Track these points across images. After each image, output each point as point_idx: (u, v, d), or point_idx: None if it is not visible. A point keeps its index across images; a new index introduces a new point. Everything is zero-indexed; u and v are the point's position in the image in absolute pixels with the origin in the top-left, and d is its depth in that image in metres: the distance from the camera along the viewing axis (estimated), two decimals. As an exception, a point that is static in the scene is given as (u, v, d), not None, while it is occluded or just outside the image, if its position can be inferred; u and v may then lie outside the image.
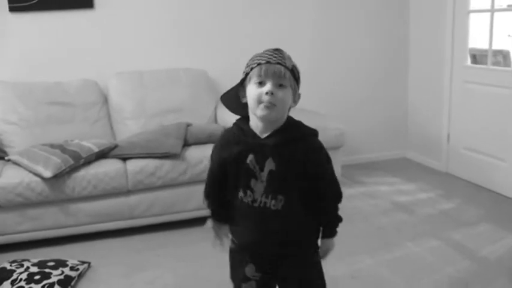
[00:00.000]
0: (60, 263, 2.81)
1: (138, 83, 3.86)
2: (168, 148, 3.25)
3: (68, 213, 3.15)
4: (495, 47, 3.97)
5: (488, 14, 3.89)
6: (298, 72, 1.62)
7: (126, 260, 3.01)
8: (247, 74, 1.61)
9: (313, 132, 1.68)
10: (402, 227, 3.40)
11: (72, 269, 2.78)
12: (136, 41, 4.05)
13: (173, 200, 3.33)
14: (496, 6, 3.88)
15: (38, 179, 3.03)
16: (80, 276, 2.80)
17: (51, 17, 3.84)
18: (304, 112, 2.87)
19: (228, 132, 1.74)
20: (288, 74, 1.56)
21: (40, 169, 3.01)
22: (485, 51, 4.00)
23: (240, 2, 4.25)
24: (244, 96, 1.63)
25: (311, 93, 4.31)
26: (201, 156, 3.32)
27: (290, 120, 1.65)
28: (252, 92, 1.57)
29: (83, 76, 3.85)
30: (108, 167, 3.17)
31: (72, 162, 3.07)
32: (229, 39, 4.26)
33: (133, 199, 3.25)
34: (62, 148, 3.16)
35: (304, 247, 1.74)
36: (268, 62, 1.56)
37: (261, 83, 1.56)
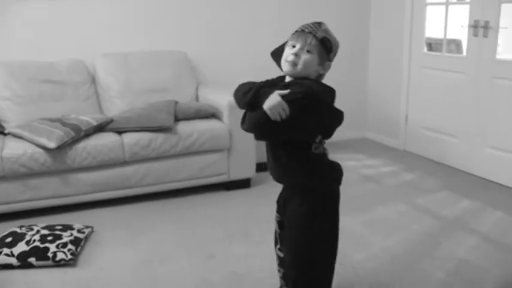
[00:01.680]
0: (67, 227, 3.03)
1: (124, 64, 4.08)
2: (162, 122, 3.51)
3: (68, 183, 3.36)
4: (449, 36, 4.43)
5: (444, 6, 4.34)
6: (331, 44, 1.90)
7: (125, 225, 3.26)
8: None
9: (312, 82, 1.88)
10: (372, 194, 3.81)
11: (79, 231, 3.01)
12: (120, 24, 4.26)
13: (165, 170, 3.59)
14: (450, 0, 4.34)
15: (40, 150, 3.23)
16: (86, 238, 3.03)
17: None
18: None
19: (273, 78, 2.04)
20: (314, 41, 1.86)
21: (44, 141, 3.21)
22: (440, 40, 4.46)
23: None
24: None
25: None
26: (191, 129, 3.62)
27: (310, 78, 1.90)
28: (285, 51, 1.90)
29: (70, 57, 4.04)
30: (106, 139, 3.41)
31: (73, 134, 3.28)
32: (206, 23, 4.53)
33: (128, 170, 3.50)
34: (62, 122, 3.37)
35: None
36: (302, 31, 1.89)
37: (294, 46, 1.87)
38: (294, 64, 1.86)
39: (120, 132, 3.51)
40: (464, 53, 4.25)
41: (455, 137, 4.32)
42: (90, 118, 3.48)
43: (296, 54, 1.85)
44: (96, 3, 4.16)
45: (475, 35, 3.98)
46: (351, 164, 4.47)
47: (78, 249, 2.86)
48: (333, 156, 2.01)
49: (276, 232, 2.19)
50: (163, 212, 3.47)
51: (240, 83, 1.95)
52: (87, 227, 3.12)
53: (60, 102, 3.81)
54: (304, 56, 1.86)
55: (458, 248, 2.92)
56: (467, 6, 4.09)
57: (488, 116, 3.99)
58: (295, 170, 1.95)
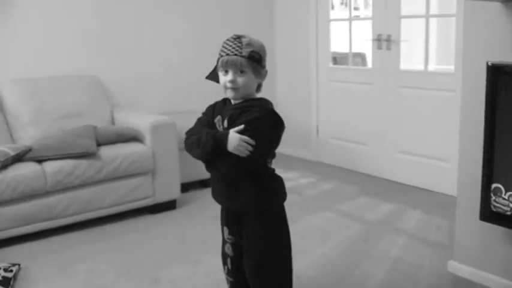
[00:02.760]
0: (-9, 266, 2.82)
1: (34, 90, 3.87)
2: (85, 148, 3.38)
3: (-14, 218, 3.13)
4: (354, 50, 4.69)
5: (347, 22, 4.60)
6: (259, 54, 1.94)
7: (55, 258, 3.08)
8: (217, 60, 1.96)
9: (263, 106, 1.96)
10: (296, 205, 3.90)
11: (5, 270, 2.80)
12: (28, 48, 4.05)
13: (90, 197, 3.45)
14: (353, 16, 4.61)
15: (-46, 185, 2.99)
16: (15, 277, 2.83)
17: None
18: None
19: (219, 102, 2.07)
20: (244, 62, 1.91)
21: (-43, 175, 2.97)
22: (345, 54, 4.72)
23: (124, 11, 4.46)
24: None
25: (190, 95, 4.71)
26: (115, 154, 3.51)
27: (254, 97, 2.00)
28: (221, 79, 1.97)
29: (-28, 85, 3.78)
30: (26, 170, 3.21)
31: (-10, 166, 3.07)
32: (117, 45, 4.44)
33: (51, 200, 3.31)
34: (-25, 154, 3.14)
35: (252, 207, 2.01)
36: (227, 55, 1.91)
37: (226, 71, 1.93)
38: (234, 89, 1.93)
39: (40, 161, 3.33)
40: (370, 65, 4.53)
41: (366, 145, 4.56)
42: (6, 148, 3.26)
43: (233, 81, 1.91)
44: (1, 26, 3.94)
45: (379, 47, 4.25)
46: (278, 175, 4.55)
47: (10, 288, 2.67)
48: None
49: (226, 255, 2.17)
50: (92, 241, 3.32)
51: (185, 132, 2.02)
52: (13, 264, 2.90)
53: (-34, 133, 3.55)
54: (240, 79, 1.91)
55: (390, 248, 3.08)
56: (370, 21, 4.36)
57: (395, 123, 4.26)
58: (255, 198, 1.96)
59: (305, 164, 5.05)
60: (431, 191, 4.05)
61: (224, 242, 2.16)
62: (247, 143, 1.81)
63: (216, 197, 2.06)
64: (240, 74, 1.91)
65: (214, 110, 2.04)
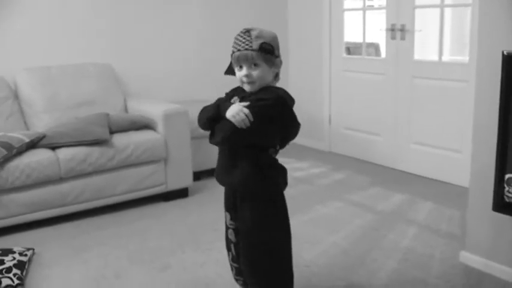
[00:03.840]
0: (7, 251, 2.84)
1: (47, 78, 3.90)
2: (98, 135, 3.40)
3: (1, 204, 3.15)
4: (367, 40, 4.66)
5: (361, 12, 4.57)
6: (270, 45, 1.95)
7: (68, 243, 3.11)
8: (231, 55, 2.00)
9: (274, 91, 1.99)
10: (308, 195, 3.90)
11: (21, 254, 2.84)
12: (41, 36, 4.08)
13: (103, 185, 3.48)
14: (367, 6, 4.58)
15: (-31, 171, 3.03)
16: (29, 261, 2.86)
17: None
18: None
19: (240, 87, 2.07)
20: (256, 55, 1.93)
21: (-27, 161, 3.01)
22: (359, 44, 4.69)
23: (136, 0, 4.47)
24: None
25: (202, 84, 4.71)
26: (127, 142, 3.54)
27: (269, 85, 2.00)
28: (237, 74, 2.00)
29: (-13, 72, 3.82)
30: (40, 156, 3.24)
31: (5, 152, 3.09)
32: (131, 34, 4.45)
33: (65, 186, 3.34)
34: (-10, 140, 3.17)
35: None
36: (239, 50, 1.94)
37: (240, 66, 1.96)
38: (250, 83, 1.96)
39: (53, 148, 3.35)
40: (383, 55, 4.50)
41: (379, 135, 4.55)
42: (20, 135, 3.29)
43: (247, 75, 1.94)
44: (13, 16, 3.96)
45: (393, 38, 4.23)
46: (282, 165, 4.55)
47: (24, 273, 2.70)
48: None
49: (229, 241, 2.19)
50: (105, 227, 3.35)
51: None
52: (28, 249, 2.94)
53: (-19, 120, 3.58)
54: (255, 72, 1.94)
55: (402, 238, 3.08)
56: (384, 11, 4.33)
57: (409, 113, 4.23)
58: (252, 175, 1.97)
59: (317, 154, 5.04)
60: (444, 182, 4.02)
61: (227, 228, 2.18)
62: (247, 117, 1.85)
63: (217, 173, 2.09)
64: (253, 68, 1.94)
65: (234, 92, 2.08)
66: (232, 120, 1.85)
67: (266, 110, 1.89)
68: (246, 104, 1.89)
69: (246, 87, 1.98)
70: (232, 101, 2.01)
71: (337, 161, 4.78)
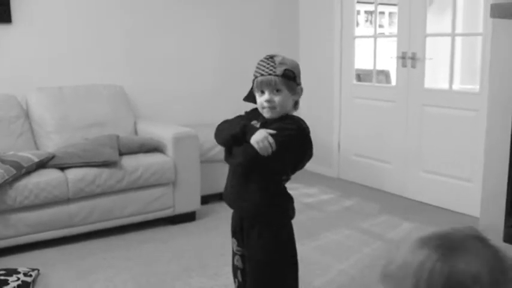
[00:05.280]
0: (11, 271, 2.83)
1: (59, 98, 3.93)
2: (107, 156, 3.41)
3: (9, 224, 3.15)
4: (378, 67, 4.67)
5: (372, 39, 4.59)
6: (292, 72, 1.96)
7: (74, 265, 3.10)
8: (253, 81, 1.98)
9: (296, 121, 2.00)
10: (317, 221, 3.87)
11: (25, 275, 2.82)
12: (53, 57, 4.12)
13: (111, 206, 3.47)
14: (378, 33, 4.60)
15: (-22, 190, 3.03)
16: (34, 282, 2.84)
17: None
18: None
19: (252, 110, 2.07)
20: (279, 80, 1.92)
21: (-18, 179, 3.01)
22: (369, 71, 4.70)
23: (148, 23, 4.51)
24: None
25: (216, 107, 4.72)
26: (136, 164, 3.54)
27: (288, 114, 2.00)
28: (257, 99, 1.98)
29: (0, 91, 3.85)
30: (49, 176, 3.25)
31: (14, 171, 3.10)
32: (143, 58, 4.49)
33: (73, 207, 3.34)
34: (0, 159, 3.18)
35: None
36: (262, 75, 1.93)
37: (262, 92, 1.94)
38: (272, 108, 1.93)
39: (62, 168, 3.36)
40: (394, 83, 4.50)
41: (388, 163, 4.52)
42: (30, 154, 3.30)
43: (269, 101, 1.92)
44: (26, 35, 4.01)
45: (404, 65, 4.23)
46: (290, 193, 4.53)
47: (29, 294, 2.69)
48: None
49: (236, 268, 2.15)
50: (112, 250, 3.33)
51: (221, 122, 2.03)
52: (33, 269, 2.93)
53: (-8, 139, 3.60)
54: (277, 98, 1.92)
55: (411, 268, 3.03)
56: (395, 39, 4.34)
57: (419, 141, 4.22)
58: (263, 202, 1.96)
59: (326, 180, 5.02)
60: (454, 211, 3.98)
61: (234, 254, 2.15)
62: (270, 146, 1.83)
63: (226, 195, 2.07)
64: (275, 93, 1.93)
65: (254, 115, 2.05)
66: (256, 146, 1.83)
67: (290, 140, 1.89)
68: (272, 132, 1.86)
69: (266, 113, 1.95)
70: (252, 123, 1.99)
71: (346, 187, 4.75)
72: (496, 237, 2.48)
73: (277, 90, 1.92)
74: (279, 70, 1.92)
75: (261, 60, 1.96)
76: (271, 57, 1.96)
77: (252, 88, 2.01)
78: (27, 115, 3.86)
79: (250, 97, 2.05)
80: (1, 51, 3.94)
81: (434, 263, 0.80)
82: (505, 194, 2.36)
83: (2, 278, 2.72)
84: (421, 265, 0.81)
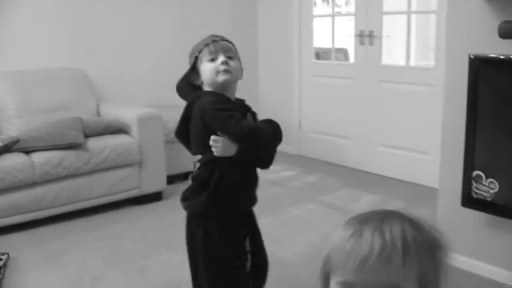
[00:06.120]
0: (-19, 255, 2.83)
1: (20, 82, 3.87)
2: (73, 138, 3.41)
3: (-26, 209, 3.13)
4: (336, 46, 4.78)
5: (330, 18, 4.69)
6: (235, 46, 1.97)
7: (44, 248, 3.10)
8: (196, 58, 1.91)
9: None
10: (280, 196, 3.98)
11: (-5, 259, 2.83)
12: (13, 41, 4.05)
13: (78, 188, 3.48)
14: (335, 12, 4.70)
15: None
16: (5, 266, 2.84)
17: None
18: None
19: (218, 93, 1.90)
20: (233, 47, 1.93)
21: None
22: (328, 49, 4.80)
23: (108, 5, 4.47)
24: (197, 78, 1.93)
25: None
26: (102, 145, 3.55)
27: (241, 99, 1.99)
28: (208, 67, 1.86)
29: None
30: (14, 160, 3.23)
31: (-21, 156, 3.08)
32: (104, 41, 4.45)
33: (39, 190, 3.33)
34: (-37, 144, 3.14)
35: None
36: (214, 41, 1.89)
37: (213, 59, 1.86)
38: (227, 72, 1.86)
39: (27, 152, 3.34)
40: (352, 60, 4.61)
41: (348, 138, 4.66)
42: (-7, 139, 3.27)
43: (226, 62, 1.85)
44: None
45: (362, 43, 4.35)
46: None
47: (0, 277, 2.69)
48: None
49: (245, 267, 2.02)
50: (80, 231, 3.35)
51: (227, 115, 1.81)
52: (2, 253, 2.92)
53: (-49, 124, 3.54)
54: (232, 62, 1.88)
55: (374, 237, 3.17)
56: (352, 17, 4.45)
57: (377, 116, 4.35)
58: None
59: (287, 157, 5.11)
60: (413, 183, 4.14)
61: (246, 255, 2.00)
62: None
63: (240, 204, 1.97)
64: (230, 59, 1.88)
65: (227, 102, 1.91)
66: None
67: None
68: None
69: (221, 77, 1.85)
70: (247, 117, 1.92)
71: (307, 164, 4.87)
72: (454, 203, 2.62)
73: (230, 58, 1.87)
74: (227, 39, 1.94)
75: (203, 39, 1.93)
76: (213, 34, 1.94)
77: (187, 72, 1.95)
78: (-14, 100, 3.81)
79: (182, 87, 1.98)
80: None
81: (348, 238, 0.87)
82: (462, 163, 2.49)
83: (-27, 262, 2.72)
84: (344, 240, 0.88)
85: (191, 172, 1.95)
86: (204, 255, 1.94)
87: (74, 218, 3.54)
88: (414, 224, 0.88)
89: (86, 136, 3.60)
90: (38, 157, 3.31)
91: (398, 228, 0.86)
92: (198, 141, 1.88)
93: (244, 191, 1.96)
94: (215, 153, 1.80)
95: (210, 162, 1.84)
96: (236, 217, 1.95)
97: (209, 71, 1.87)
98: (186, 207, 1.97)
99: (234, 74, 1.88)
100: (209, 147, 1.80)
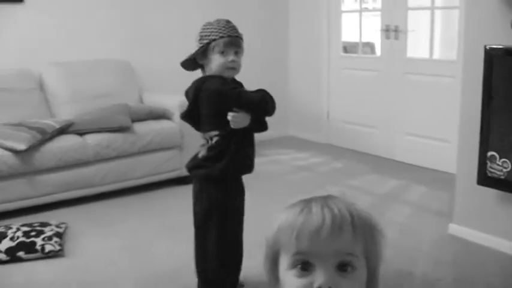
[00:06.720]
0: (44, 224, 3.17)
1: (70, 72, 4.23)
2: (121, 122, 3.75)
3: (35, 184, 3.48)
4: (364, 40, 5.04)
5: (358, 13, 4.95)
6: None
7: (97, 220, 3.44)
8: (208, 44, 2.14)
9: None
10: (308, 180, 4.27)
11: (57, 226, 3.17)
12: (63, 34, 4.41)
13: (125, 169, 3.82)
14: (363, 8, 4.96)
15: (9, 153, 3.35)
16: (64, 233, 3.18)
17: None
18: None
19: (221, 77, 2.20)
20: (242, 43, 2.20)
21: (12, 144, 3.33)
22: (355, 43, 5.07)
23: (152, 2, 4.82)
24: (203, 59, 2.21)
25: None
26: (147, 129, 3.90)
27: None
28: (218, 60, 2.14)
29: (15, 66, 4.13)
30: (70, 141, 3.59)
31: (40, 136, 3.43)
32: (147, 33, 4.80)
33: (91, 169, 3.68)
34: (26, 126, 3.50)
35: None
36: (229, 36, 2.14)
37: (223, 52, 2.13)
38: (234, 69, 2.18)
39: (81, 134, 3.69)
40: (378, 54, 4.87)
41: (374, 127, 4.92)
42: (52, 121, 3.63)
43: (234, 61, 2.15)
44: (36, 14, 4.28)
45: (387, 37, 4.60)
46: (282, 157, 4.93)
47: (62, 242, 3.03)
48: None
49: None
50: (128, 206, 3.69)
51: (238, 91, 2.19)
52: (61, 223, 3.27)
53: (13, 109, 3.86)
54: (238, 59, 2.17)
55: (397, 216, 3.46)
56: (379, 13, 4.71)
57: (402, 107, 4.61)
58: None
59: (316, 146, 5.39)
60: (435, 170, 4.38)
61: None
62: None
63: (250, 164, 2.32)
64: (236, 55, 2.16)
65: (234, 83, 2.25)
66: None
67: None
68: None
69: (228, 73, 2.15)
70: None
71: (335, 152, 5.14)
72: (470, 182, 2.87)
73: (236, 53, 2.15)
74: (239, 33, 2.19)
75: (219, 23, 2.16)
76: (228, 21, 2.18)
77: (195, 52, 2.18)
78: (41, 88, 4.17)
79: (187, 63, 2.26)
80: (14, 30, 4.21)
81: (299, 213, 0.92)
82: (477, 147, 2.75)
83: (38, 228, 3.06)
84: (294, 216, 0.92)
85: (203, 145, 2.30)
86: (220, 214, 2.27)
87: (121, 195, 3.88)
88: (354, 205, 0.94)
89: (132, 121, 3.94)
90: (90, 139, 3.66)
91: (343, 205, 0.92)
92: (212, 120, 2.22)
93: (252, 154, 2.29)
94: (233, 126, 2.14)
95: (226, 135, 2.17)
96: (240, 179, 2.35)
97: (218, 64, 2.15)
98: (202, 175, 2.29)
99: (237, 70, 2.21)
100: (223, 123, 2.13)
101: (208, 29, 2.17)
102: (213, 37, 2.13)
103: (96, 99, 4.21)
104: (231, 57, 2.13)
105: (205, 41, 2.16)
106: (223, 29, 2.14)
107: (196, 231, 2.38)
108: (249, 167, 2.31)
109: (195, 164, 2.32)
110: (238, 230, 2.37)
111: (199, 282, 2.38)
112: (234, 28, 2.18)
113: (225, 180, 2.26)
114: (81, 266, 2.82)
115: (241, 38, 2.18)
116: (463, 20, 3.03)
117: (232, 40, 2.14)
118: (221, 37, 2.12)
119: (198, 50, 2.18)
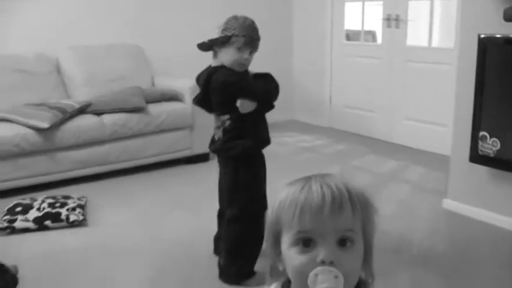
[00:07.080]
0: (66, 197, 3.40)
1: (86, 56, 4.44)
2: (136, 103, 3.97)
3: (56, 160, 3.71)
4: (365, 28, 5.25)
5: (361, 3, 5.16)
6: None
7: (114, 194, 3.68)
8: (229, 37, 2.31)
9: None
10: (313, 161, 4.50)
11: (79, 199, 3.39)
12: (78, 20, 4.62)
13: (139, 147, 4.05)
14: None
15: (31, 131, 3.57)
16: (85, 205, 3.41)
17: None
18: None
19: (232, 70, 2.40)
20: (259, 44, 2.41)
21: (35, 122, 3.55)
22: (358, 31, 5.28)
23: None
24: (219, 47, 2.38)
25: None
26: (160, 110, 4.12)
27: None
28: (233, 55, 2.34)
29: (33, 50, 4.34)
30: (88, 121, 3.81)
31: (61, 115, 3.65)
32: (159, 18, 5.01)
33: (108, 147, 3.91)
34: (47, 105, 3.72)
35: None
36: (250, 37, 2.34)
37: (239, 49, 2.32)
38: (246, 66, 2.41)
39: (98, 114, 3.91)
40: (380, 42, 5.09)
41: (375, 112, 5.14)
42: (71, 102, 3.85)
43: (248, 59, 2.38)
44: (54, 1, 4.49)
45: (389, 26, 4.81)
46: (287, 139, 5.15)
47: (85, 213, 3.27)
48: (270, 134, 2.61)
49: None
50: (142, 182, 3.92)
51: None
52: (82, 196, 3.50)
53: (31, 90, 4.08)
54: (251, 58, 2.39)
55: (397, 193, 3.69)
56: (381, 2, 4.91)
57: (402, 93, 4.83)
58: None
59: (319, 129, 5.62)
60: (432, 152, 4.61)
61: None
62: None
63: (267, 137, 2.55)
64: (250, 54, 2.37)
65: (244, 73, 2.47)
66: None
67: None
68: None
69: (240, 68, 2.37)
70: None
71: (337, 135, 5.37)
72: (463, 160, 3.10)
73: (251, 52, 2.36)
74: (259, 36, 2.40)
75: (248, 22, 2.34)
76: (253, 22, 2.38)
77: (214, 39, 2.36)
78: (58, 71, 4.38)
79: (203, 47, 2.46)
80: (32, 16, 4.42)
81: (300, 191, 0.95)
82: (470, 126, 2.98)
83: (62, 200, 3.29)
84: (295, 194, 0.95)
85: (218, 127, 2.50)
86: (247, 187, 2.49)
87: (136, 172, 4.11)
88: (349, 183, 0.97)
89: (146, 102, 4.16)
90: (107, 119, 3.88)
91: (340, 182, 0.95)
92: (223, 106, 2.44)
93: (267, 129, 2.53)
94: (241, 111, 2.38)
95: (239, 118, 2.40)
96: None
97: (232, 59, 2.35)
98: (231, 154, 2.47)
99: (247, 66, 2.42)
100: (234, 107, 2.36)
101: (234, 23, 2.34)
102: (236, 33, 2.31)
103: (110, 82, 4.42)
104: (245, 56, 2.33)
105: (227, 33, 2.33)
106: (248, 28, 2.33)
107: (220, 209, 2.71)
108: (267, 141, 2.53)
109: (218, 146, 2.53)
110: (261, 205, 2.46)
111: (225, 251, 2.56)
112: (256, 30, 2.37)
113: (251, 157, 2.49)
114: (103, 235, 3.05)
115: (259, 40, 2.38)
116: (459, 10, 3.24)
117: (252, 41, 2.33)
118: (243, 36, 2.30)
119: (219, 38, 2.36)
